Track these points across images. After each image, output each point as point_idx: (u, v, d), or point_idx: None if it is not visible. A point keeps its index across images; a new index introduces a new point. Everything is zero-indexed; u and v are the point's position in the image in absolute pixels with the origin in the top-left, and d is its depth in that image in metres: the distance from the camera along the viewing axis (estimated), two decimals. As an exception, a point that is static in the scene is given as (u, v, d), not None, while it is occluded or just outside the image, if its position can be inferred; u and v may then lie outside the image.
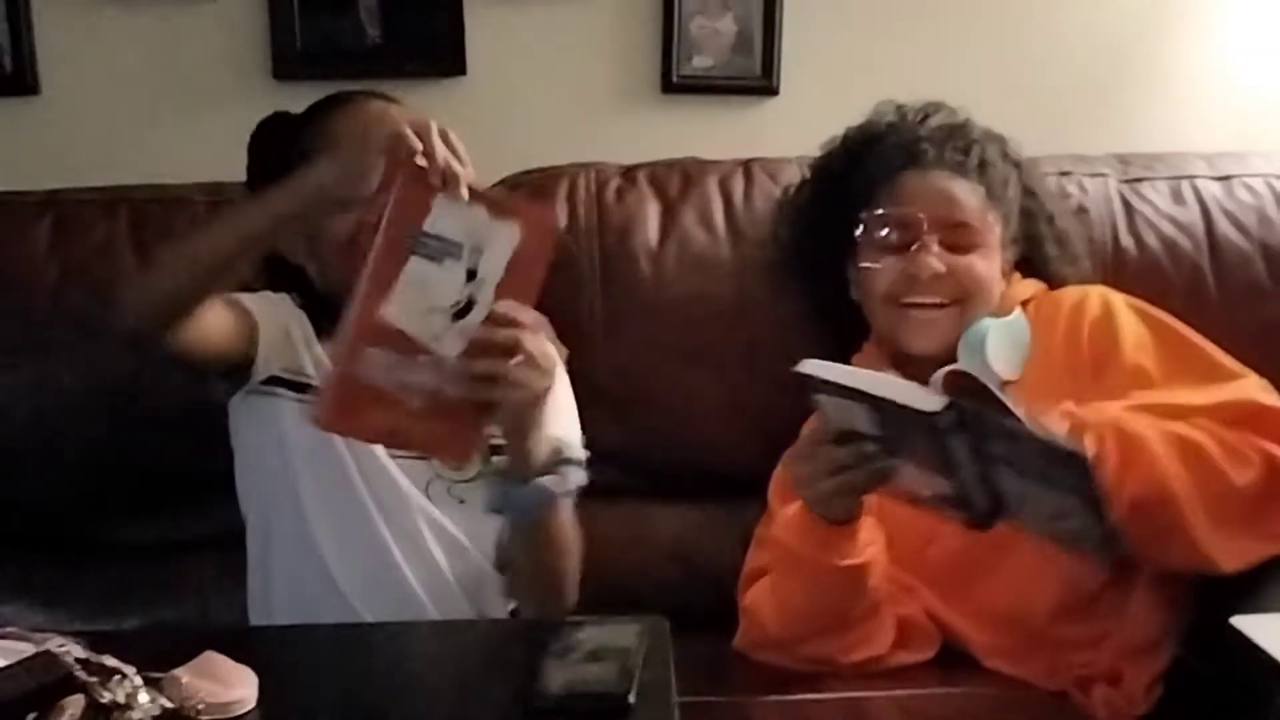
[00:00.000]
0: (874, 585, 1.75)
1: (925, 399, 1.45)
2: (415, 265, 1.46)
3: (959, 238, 1.91)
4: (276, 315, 1.80)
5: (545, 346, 1.53)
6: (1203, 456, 1.65)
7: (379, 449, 1.77)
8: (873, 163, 1.98)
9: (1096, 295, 1.92)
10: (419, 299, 1.47)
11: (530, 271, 1.50)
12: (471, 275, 1.47)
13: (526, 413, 1.55)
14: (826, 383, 1.53)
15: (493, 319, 1.48)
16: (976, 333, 1.87)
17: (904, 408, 1.46)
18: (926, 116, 2.03)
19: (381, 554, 1.77)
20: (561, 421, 1.80)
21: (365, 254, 1.48)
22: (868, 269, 1.93)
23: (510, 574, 1.78)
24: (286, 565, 1.81)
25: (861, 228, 1.94)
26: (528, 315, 1.49)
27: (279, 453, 1.78)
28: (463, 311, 1.48)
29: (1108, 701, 1.75)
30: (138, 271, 1.68)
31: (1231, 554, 1.66)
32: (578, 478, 1.64)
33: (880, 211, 1.92)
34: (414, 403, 1.48)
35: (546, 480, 1.61)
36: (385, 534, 1.77)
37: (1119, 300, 1.91)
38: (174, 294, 1.61)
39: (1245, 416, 1.73)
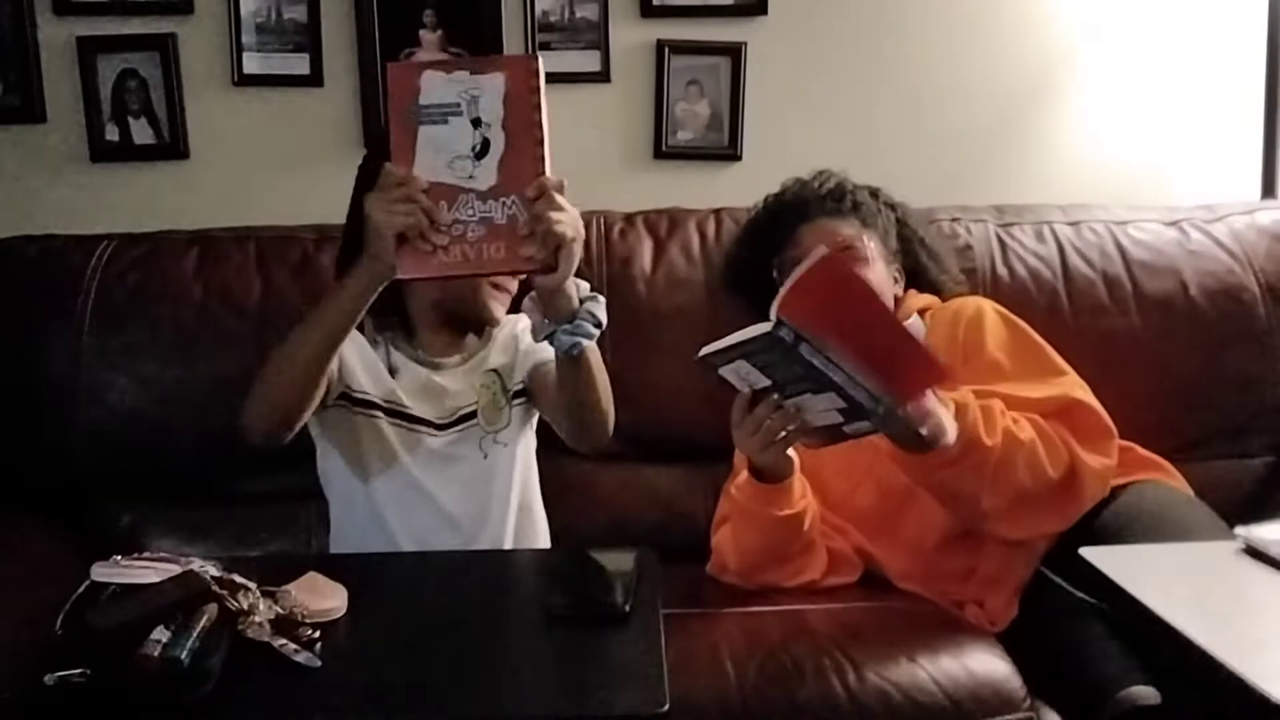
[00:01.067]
0: (808, 529, 1.75)
1: (763, 326, 1.43)
2: (424, 132, 1.37)
3: (847, 256, 1.88)
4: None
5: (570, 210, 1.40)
6: (1030, 458, 1.67)
7: (437, 439, 1.72)
8: (776, 224, 2.00)
9: (973, 301, 1.94)
10: (440, 155, 1.36)
11: (525, 104, 1.36)
12: (477, 123, 1.37)
13: (572, 261, 1.41)
14: (715, 353, 1.49)
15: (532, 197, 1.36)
16: None
17: (756, 339, 1.43)
18: (814, 181, 2.04)
19: (440, 519, 1.72)
20: (534, 351, 1.76)
21: None
22: None
23: (566, 411, 1.67)
24: (357, 533, 1.76)
25: (776, 272, 1.93)
26: (553, 180, 1.37)
27: (351, 451, 1.73)
28: (483, 151, 1.37)
29: (976, 616, 1.76)
30: (255, 383, 1.54)
31: (1012, 529, 1.71)
32: (602, 312, 1.53)
33: (788, 255, 1.92)
34: (471, 233, 1.36)
35: (590, 304, 1.51)
36: (450, 511, 1.72)
37: (989, 306, 1.92)
38: (286, 402, 1.54)
39: (1064, 409, 1.75)
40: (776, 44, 2.38)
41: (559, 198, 1.37)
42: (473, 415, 1.75)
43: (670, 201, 2.27)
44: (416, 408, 1.73)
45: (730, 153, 2.40)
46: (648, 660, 1.20)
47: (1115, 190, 2.38)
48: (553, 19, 2.34)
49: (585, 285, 1.53)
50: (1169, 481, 1.86)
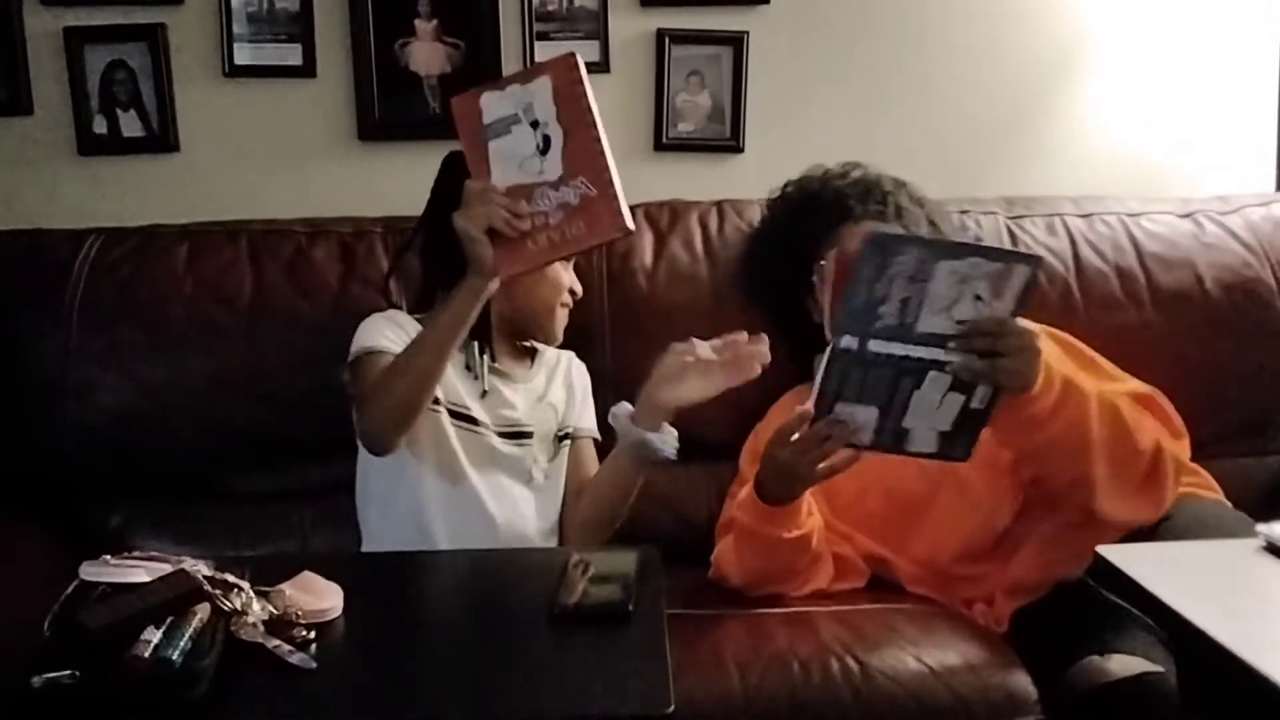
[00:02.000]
0: (815, 546, 1.73)
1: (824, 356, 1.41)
2: (493, 146, 1.54)
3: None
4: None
5: None
6: (1119, 419, 1.61)
7: (496, 441, 1.80)
8: (814, 219, 1.95)
9: None
10: (510, 161, 1.54)
11: (573, 95, 1.53)
12: (536, 124, 1.54)
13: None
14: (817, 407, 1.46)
15: None
16: None
17: (829, 368, 1.40)
18: (845, 174, 2.00)
19: (484, 525, 1.75)
20: (588, 410, 1.95)
21: None
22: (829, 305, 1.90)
23: (594, 505, 1.83)
24: (394, 536, 1.77)
25: (818, 273, 1.89)
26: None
27: (409, 445, 1.74)
28: (546, 147, 1.54)
29: (983, 614, 1.75)
30: (374, 392, 1.65)
31: (1115, 505, 1.61)
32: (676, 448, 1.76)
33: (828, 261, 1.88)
34: (553, 219, 1.53)
35: (666, 438, 1.74)
36: (492, 513, 1.76)
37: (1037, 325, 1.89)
38: (406, 411, 1.63)
39: (1138, 399, 1.73)
40: (779, 33, 2.38)
41: None
42: (528, 435, 1.84)
43: (671, 194, 2.26)
44: (477, 412, 1.81)
45: (732, 144, 2.39)
46: (651, 661, 1.20)
47: (1128, 181, 2.38)
48: (551, 8, 2.33)
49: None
50: (1214, 495, 1.85)
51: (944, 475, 1.74)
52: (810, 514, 1.70)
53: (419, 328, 1.73)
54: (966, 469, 1.60)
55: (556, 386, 1.91)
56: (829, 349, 1.42)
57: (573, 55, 1.55)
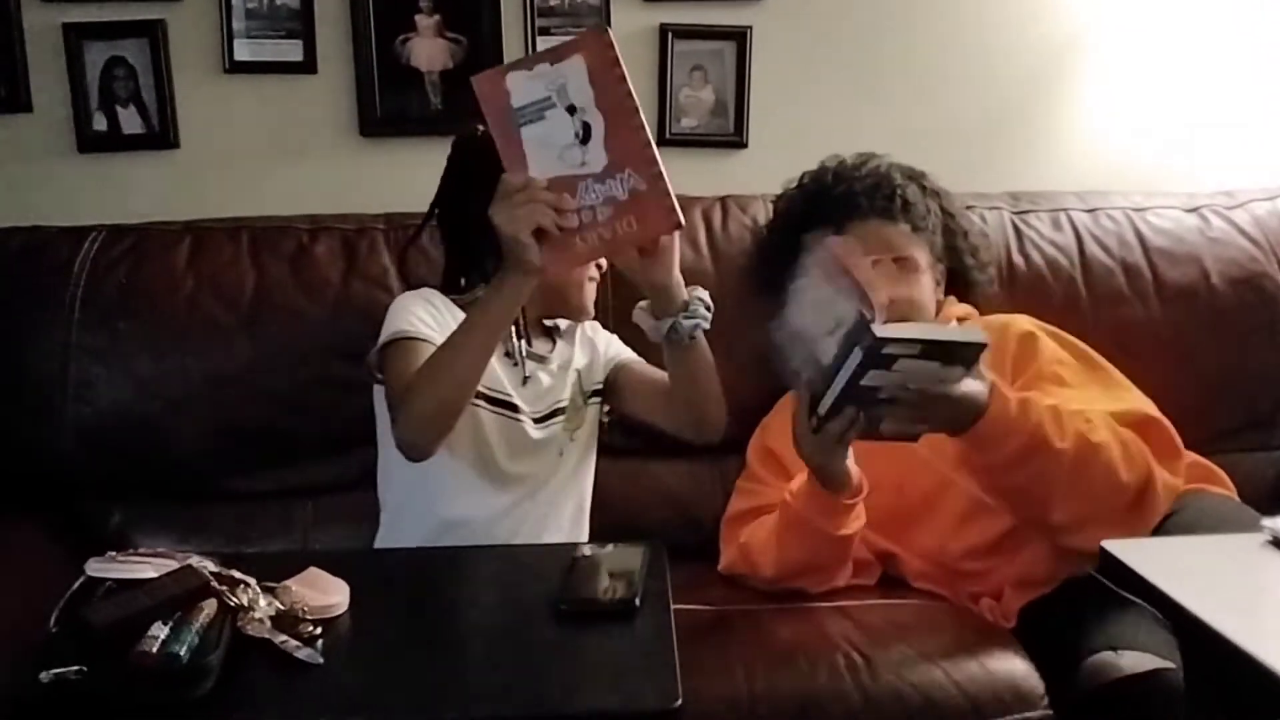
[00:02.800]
0: (853, 549, 1.75)
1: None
2: (527, 132, 1.41)
3: (899, 267, 1.90)
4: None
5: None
6: (1097, 460, 1.62)
7: (531, 428, 1.78)
8: (822, 214, 1.97)
9: (1023, 319, 1.92)
10: (548, 151, 1.42)
11: (611, 78, 1.41)
12: (573, 110, 1.41)
13: (672, 254, 1.56)
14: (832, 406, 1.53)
15: None
16: None
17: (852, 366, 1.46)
18: (859, 167, 2.01)
19: (509, 512, 1.76)
20: (615, 343, 1.94)
21: None
22: None
23: (685, 404, 1.77)
24: (411, 529, 1.78)
25: None
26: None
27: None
28: (586, 135, 1.42)
29: (990, 609, 1.76)
30: (410, 395, 1.55)
31: (1085, 538, 1.56)
32: (708, 298, 1.66)
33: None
34: (600, 215, 1.42)
35: (699, 293, 1.65)
36: (520, 504, 1.77)
37: (1039, 327, 1.91)
38: (446, 415, 1.56)
39: (1136, 423, 1.73)
40: (783, 28, 2.38)
41: None
42: (560, 412, 1.83)
43: (674, 189, 2.23)
44: (518, 398, 1.79)
45: (736, 140, 2.40)
46: (658, 655, 1.21)
47: (1133, 175, 2.39)
48: (553, 2, 2.33)
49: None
50: (1224, 491, 1.86)
51: (953, 471, 1.75)
52: (859, 517, 1.71)
53: (453, 309, 1.72)
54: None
55: (579, 353, 1.90)
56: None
57: (606, 32, 1.43)
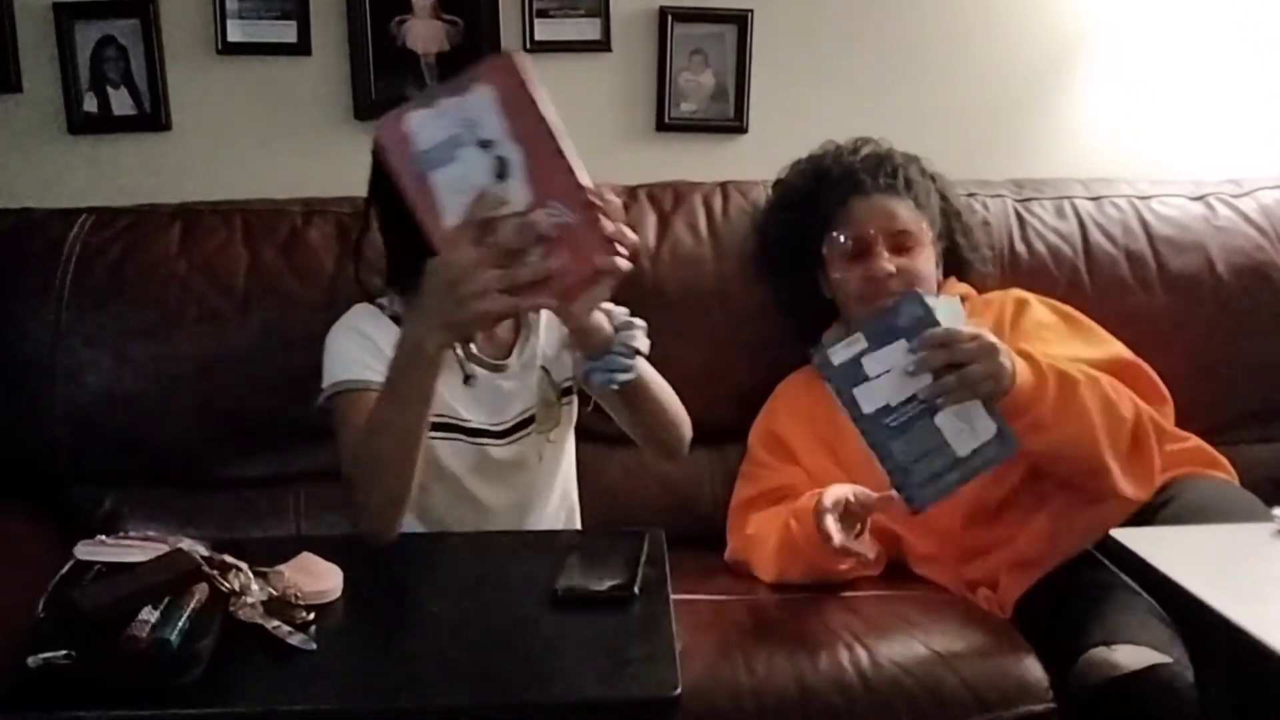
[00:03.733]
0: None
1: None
2: (437, 177, 1.25)
3: (901, 242, 1.90)
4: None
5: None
6: (1106, 395, 1.64)
7: (496, 450, 1.66)
8: (825, 193, 1.97)
9: (1015, 291, 1.97)
10: (465, 195, 1.25)
11: (522, 104, 1.24)
12: (486, 145, 1.25)
13: (599, 295, 1.31)
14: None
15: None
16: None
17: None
18: (857, 149, 2.03)
19: (489, 520, 1.68)
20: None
21: None
22: (839, 279, 1.92)
23: (633, 434, 1.64)
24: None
25: (827, 246, 1.94)
26: (614, 200, 1.28)
27: None
28: (504, 171, 1.25)
29: (987, 599, 1.76)
30: (354, 491, 1.44)
31: (1130, 484, 1.64)
32: (643, 332, 1.51)
33: (838, 233, 1.92)
34: (534, 255, 1.25)
35: (623, 335, 1.48)
36: (493, 506, 1.67)
37: (1030, 295, 1.95)
38: (393, 500, 1.42)
39: (1120, 368, 1.76)
40: (784, 11, 2.37)
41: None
42: (532, 420, 1.69)
43: (673, 175, 2.26)
44: (476, 418, 1.65)
45: (736, 125, 2.39)
46: (657, 644, 1.19)
47: (1139, 163, 2.38)
48: (550, -17, 2.32)
49: (622, 311, 1.50)
50: (1220, 474, 1.86)
51: None
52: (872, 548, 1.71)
53: (389, 330, 1.57)
54: None
55: (544, 342, 1.71)
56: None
57: (509, 56, 1.26)
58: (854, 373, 1.45)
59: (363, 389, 1.55)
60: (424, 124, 1.25)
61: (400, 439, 1.40)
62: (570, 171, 1.26)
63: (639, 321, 1.50)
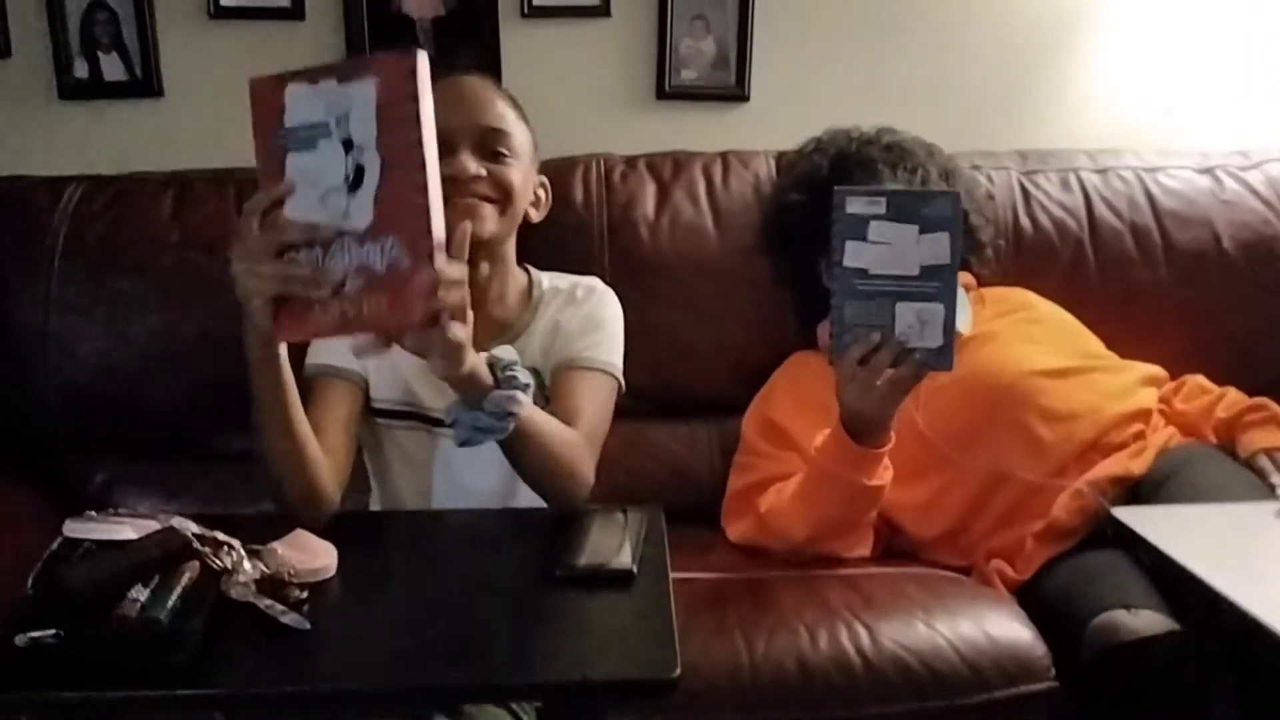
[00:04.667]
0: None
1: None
2: (292, 160, 1.17)
3: None
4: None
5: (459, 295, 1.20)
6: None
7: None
8: (841, 180, 1.90)
9: (1022, 290, 2.02)
10: (310, 189, 1.16)
11: (401, 117, 1.13)
12: (349, 145, 1.15)
13: (461, 349, 1.24)
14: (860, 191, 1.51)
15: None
16: None
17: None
18: (879, 138, 2.02)
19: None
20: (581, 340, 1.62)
21: None
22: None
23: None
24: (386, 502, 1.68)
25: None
26: (455, 270, 1.18)
27: (374, 457, 1.65)
28: (356, 181, 1.15)
29: (1000, 570, 1.75)
30: (264, 474, 1.43)
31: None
32: (523, 378, 1.35)
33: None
34: (350, 285, 1.16)
35: (497, 393, 1.33)
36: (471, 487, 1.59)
37: (1037, 297, 2.01)
38: (295, 477, 1.40)
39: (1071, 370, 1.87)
40: (788, -23, 2.34)
41: (457, 294, 1.18)
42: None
43: (673, 144, 2.23)
44: (435, 403, 1.56)
45: (737, 93, 2.35)
46: (657, 623, 1.18)
47: (1145, 134, 2.35)
48: (550, -52, 2.29)
49: (509, 358, 1.36)
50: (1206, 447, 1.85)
51: (958, 455, 1.75)
52: (888, 467, 1.68)
53: None
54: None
55: (536, 344, 1.61)
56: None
57: (411, 56, 1.13)
58: (858, 227, 1.46)
59: (319, 374, 1.55)
60: (299, 99, 1.17)
61: (268, 432, 1.37)
62: (425, 213, 1.14)
63: (523, 376, 1.36)
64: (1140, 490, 1.70)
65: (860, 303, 1.48)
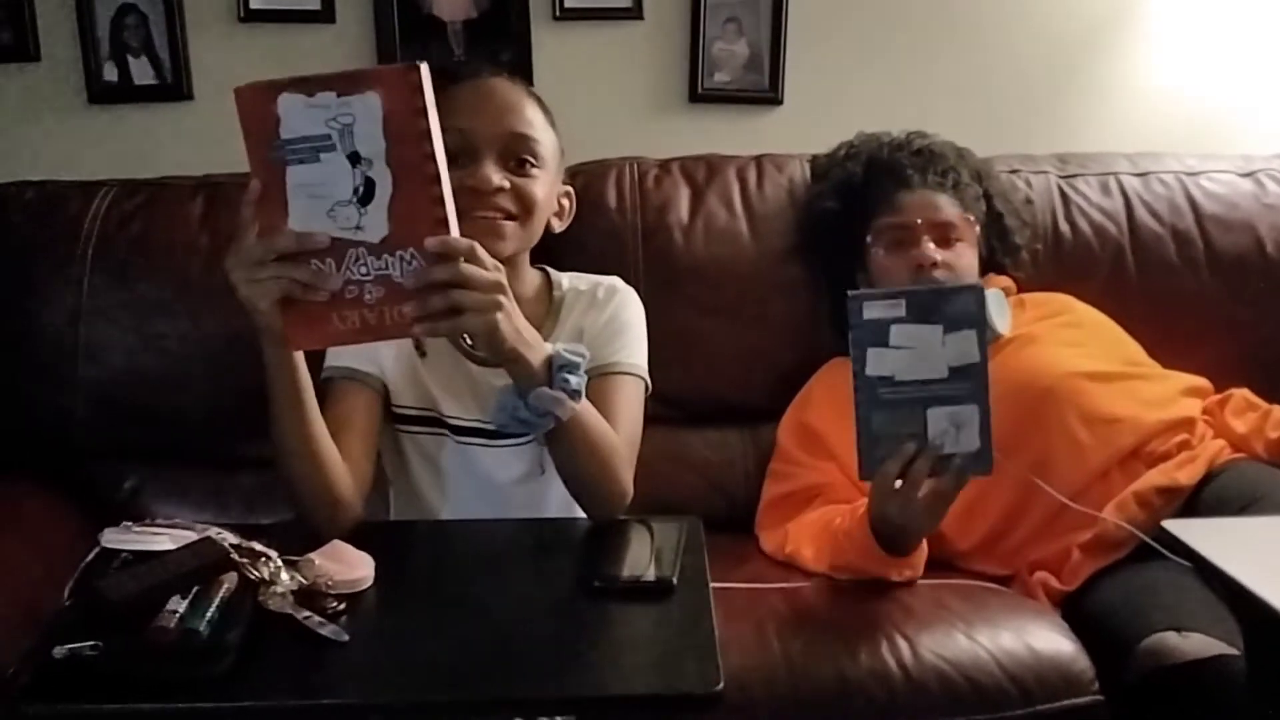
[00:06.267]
0: None
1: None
2: (294, 173, 1.17)
3: (946, 233, 1.90)
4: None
5: (484, 270, 1.22)
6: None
7: (491, 453, 1.57)
8: (872, 184, 1.97)
9: (1063, 295, 2.02)
10: (316, 202, 1.17)
11: (410, 129, 1.14)
12: (356, 159, 1.15)
13: (489, 333, 1.26)
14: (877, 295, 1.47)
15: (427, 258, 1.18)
16: None
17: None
18: (910, 143, 2.02)
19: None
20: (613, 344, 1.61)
21: None
22: (883, 267, 1.92)
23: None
24: (406, 510, 1.67)
25: (872, 236, 1.93)
26: (460, 244, 1.19)
27: (393, 461, 1.64)
28: (367, 194, 1.16)
29: (1044, 582, 1.73)
30: (284, 490, 1.41)
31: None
32: (577, 382, 1.35)
33: (887, 221, 1.92)
34: (369, 295, 1.19)
35: (543, 391, 1.33)
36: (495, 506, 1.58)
37: (1076, 301, 2.01)
38: (315, 491, 1.39)
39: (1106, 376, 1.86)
40: (821, -22, 2.33)
41: (468, 268, 1.20)
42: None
43: (706, 147, 2.22)
44: (464, 414, 1.56)
45: (771, 96, 2.34)
46: (698, 635, 1.17)
47: (1187, 137, 2.33)
48: (582, -50, 2.28)
49: (574, 355, 1.35)
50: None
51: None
52: (921, 553, 1.67)
53: None
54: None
55: (563, 339, 1.56)
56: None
57: (415, 69, 1.13)
58: (878, 333, 1.43)
59: (334, 377, 1.53)
60: (294, 111, 1.16)
61: (285, 440, 1.36)
62: (443, 221, 1.17)
63: (576, 381, 1.35)
64: (1199, 506, 1.67)
65: (888, 412, 1.44)
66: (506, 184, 1.52)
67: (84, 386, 1.99)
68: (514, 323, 1.28)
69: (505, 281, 1.25)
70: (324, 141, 1.16)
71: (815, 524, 1.78)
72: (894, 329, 1.42)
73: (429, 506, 1.62)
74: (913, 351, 1.42)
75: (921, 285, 1.48)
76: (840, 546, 1.68)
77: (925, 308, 1.42)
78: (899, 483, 1.48)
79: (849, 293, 1.45)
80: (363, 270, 1.18)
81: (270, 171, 1.18)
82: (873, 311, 1.43)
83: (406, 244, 1.18)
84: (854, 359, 1.44)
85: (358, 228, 1.17)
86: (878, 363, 1.43)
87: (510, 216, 1.53)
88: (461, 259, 1.19)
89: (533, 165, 1.55)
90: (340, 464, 1.42)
